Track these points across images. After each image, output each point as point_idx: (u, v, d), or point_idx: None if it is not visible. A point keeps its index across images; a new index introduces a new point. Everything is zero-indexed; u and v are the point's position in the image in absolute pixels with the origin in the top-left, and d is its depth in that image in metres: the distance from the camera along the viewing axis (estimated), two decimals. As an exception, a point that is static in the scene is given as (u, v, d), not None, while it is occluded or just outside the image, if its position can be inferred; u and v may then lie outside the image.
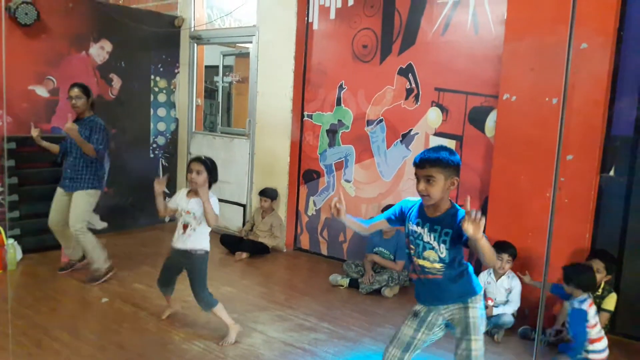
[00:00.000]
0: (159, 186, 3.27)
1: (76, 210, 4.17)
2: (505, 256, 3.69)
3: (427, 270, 2.27)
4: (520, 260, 3.76)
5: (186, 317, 3.64)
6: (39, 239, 4.79)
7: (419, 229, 2.28)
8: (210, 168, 3.22)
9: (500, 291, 3.74)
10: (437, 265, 2.24)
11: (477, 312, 2.28)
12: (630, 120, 3.59)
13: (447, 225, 2.21)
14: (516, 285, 3.73)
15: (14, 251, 4.47)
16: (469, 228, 1.97)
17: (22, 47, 4.89)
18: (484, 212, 4.05)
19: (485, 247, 2.05)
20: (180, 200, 3.28)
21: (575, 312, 3.16)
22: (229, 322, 3.31)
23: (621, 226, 3.67)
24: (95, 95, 5.49)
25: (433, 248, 2.24)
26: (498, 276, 3.76)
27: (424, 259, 2.26)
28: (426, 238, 2.25)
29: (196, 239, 3.25)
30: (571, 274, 3.22)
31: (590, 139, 3.60)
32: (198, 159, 3.23)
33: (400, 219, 2.40)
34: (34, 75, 5.02)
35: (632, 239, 3.62)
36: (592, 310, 3.15)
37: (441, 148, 2.26)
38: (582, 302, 3.16)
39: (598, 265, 3.45)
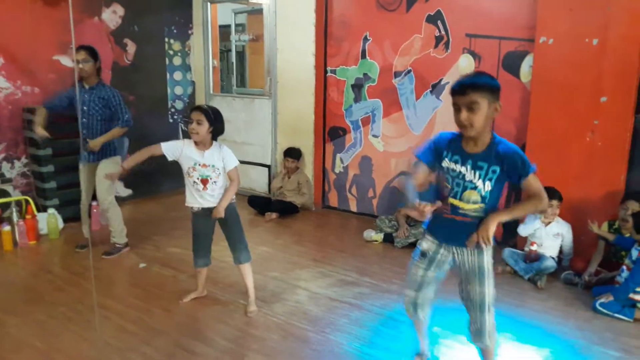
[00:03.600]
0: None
1: (103, 183, 4.00)
2: (555, 202, 3.65)
3: (461, 211, 2.09)
4: (561, 206, 3.72)
5: (228, 277, 3.64)
6: (77, 208, 4.73)
7: (458, 167, 2.05)
8: (212, 118, 2.96)
9: (549, 237, 3.72)
10: (476, 206, 2.06)
11: (490, 257, 2.18)
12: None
13: (495, 162, 2.01)
14: (567, 232, 3.74)
15: (55, 221, 4.46)
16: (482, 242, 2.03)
17: (45, 16, 4.76)
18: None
19: (520, 212, 2.12)
20: (192, 153, 2.99)
21: None
22: (252, 289, 3.20)
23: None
24: (111, 61, 5.41)
25: (476, 187, 2.04)
26: (547, 222, 3.73)
27: (461, 199, 2.08)
28: (469, 177, 2.04)
29: (221, 190, 3.07)
30: None
31: (625, 80, 3.50)
32: (198, 108, 2.98)
33: (437, 156, 2.14)
34: (58, 44, 4.89)
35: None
36: None
37: (479, 72, 2.09)
38: None
39: (633, 206, 3.42)
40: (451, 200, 2.11)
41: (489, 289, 2.19)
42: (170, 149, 3.02)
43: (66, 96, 3.95)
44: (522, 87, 4.04)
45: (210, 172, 3.01)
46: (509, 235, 4.23)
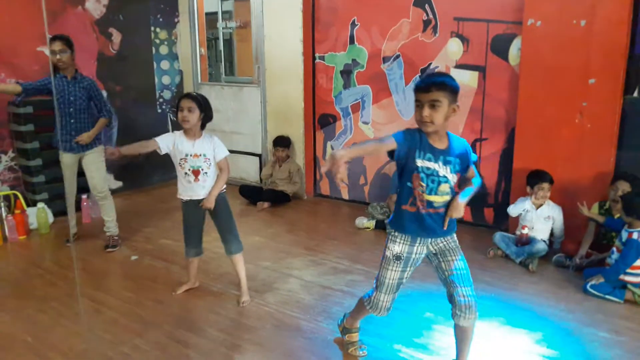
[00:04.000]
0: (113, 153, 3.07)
1: (99, 172, 4.01)
2: (546, 185, 3.66)
3: (435, 204, 2.18)
4: (552, 189, 3.73)
5: (220, 268, 3.63)
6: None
7: (432, 165, 2.13)
8: (203, 105, 2.97)
9: (540, 220, 3.74)
10: (447, 197, 2.19)
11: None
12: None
13: (457, 154, 2.18)
14: (558, 215, 3.74)
15: (45, 215, 4.42)
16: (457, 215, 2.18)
17: (27, 7, 4.66)
18: (511, 142, 4.01)
19: (474, 192, 2.27)
20: (182, 145, 2.98)
21: (634, 242, 3.12)
22: (245, 280, 3.18)
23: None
24: (96, 51, 5.34)
25: (448, 181, 2.17)
26: (537, 205, 3.74)
27: (436, 194, 2.17)
28: (442, 172, 2.14)
29: (212, 181, 3.04)
30: (634, 205, 3.16)
31: (613, 61, 3.49)
32: (188, 95, 2.98)
33: (406, 147, 2.12)
34: (41, 35, 4.77)
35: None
36: None
37: (442, 73, 2.22)
38: None
39: (623, 186, 3.43)
40: (427, 197, 2.18)
41: (466, 263, 2.29)
42: (165, 143, 3.01)
43: (44, 83, 3.81)
44: (511, 70, 4.02)
45: (202, 163, 2.99)
46: (500, 219, 4.24)
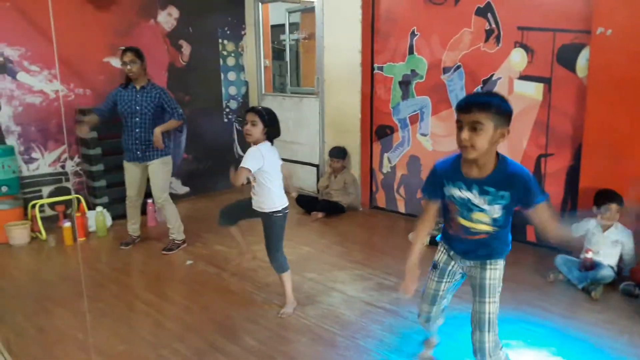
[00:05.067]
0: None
1: (159, 181, 4.15)
2: (614, 206, 3.38)
3: (472, 230, 2.04)
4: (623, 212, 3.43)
5: (267, 277, 3.66)
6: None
7: (464, 194, 1.99)
8: (267, 119, 2.94)
9: (607, 243, 3.45)
10: (487, 228, 2.01)
11: (496, 273, 2.10)
12: None
13: (504, 187, 1.93)
14: (628, 239, 3.45)
15: (103, 218, 4.68)
16: None
17: (94, 19, 5.00)
18: (578, 159, 3.74)
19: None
20: None
21: None
22: (289, 294, 3.17)
23: None
24: (167, 63, 5.61)
25: (484, 210, 1.98)
26: (605, 227, 3.46)
27: (470, 220, 2.02)
28: (476, 201, 1.98)
29: (259, 199, 3.02)
30: None
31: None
32: (252, 109, 2.98)
33: (439, 188, 2.09)
34: (108, 47, 5.12)
35: None
36: None
37: (492, 93, 1.98)
38: None
39: None
40: (460, 220, 2.07)
41: (490, 307, 2.10)
42: (254, 165, 2.94)
43: (111, 98, 4.08)
44: (579, 82, 3.75)
45: (250, 177, 3.03)
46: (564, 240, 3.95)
